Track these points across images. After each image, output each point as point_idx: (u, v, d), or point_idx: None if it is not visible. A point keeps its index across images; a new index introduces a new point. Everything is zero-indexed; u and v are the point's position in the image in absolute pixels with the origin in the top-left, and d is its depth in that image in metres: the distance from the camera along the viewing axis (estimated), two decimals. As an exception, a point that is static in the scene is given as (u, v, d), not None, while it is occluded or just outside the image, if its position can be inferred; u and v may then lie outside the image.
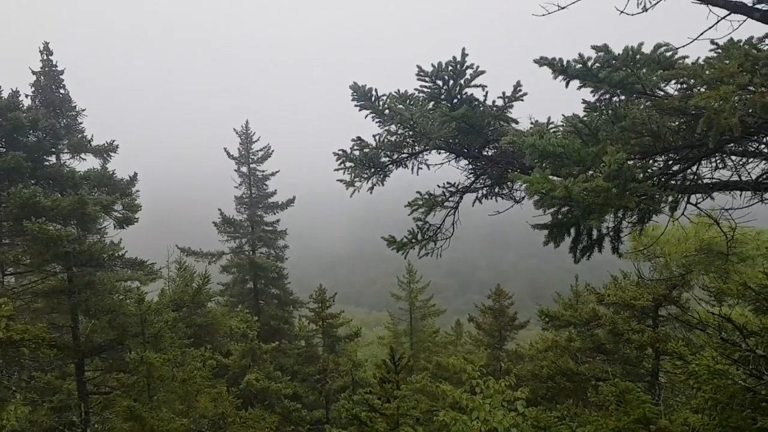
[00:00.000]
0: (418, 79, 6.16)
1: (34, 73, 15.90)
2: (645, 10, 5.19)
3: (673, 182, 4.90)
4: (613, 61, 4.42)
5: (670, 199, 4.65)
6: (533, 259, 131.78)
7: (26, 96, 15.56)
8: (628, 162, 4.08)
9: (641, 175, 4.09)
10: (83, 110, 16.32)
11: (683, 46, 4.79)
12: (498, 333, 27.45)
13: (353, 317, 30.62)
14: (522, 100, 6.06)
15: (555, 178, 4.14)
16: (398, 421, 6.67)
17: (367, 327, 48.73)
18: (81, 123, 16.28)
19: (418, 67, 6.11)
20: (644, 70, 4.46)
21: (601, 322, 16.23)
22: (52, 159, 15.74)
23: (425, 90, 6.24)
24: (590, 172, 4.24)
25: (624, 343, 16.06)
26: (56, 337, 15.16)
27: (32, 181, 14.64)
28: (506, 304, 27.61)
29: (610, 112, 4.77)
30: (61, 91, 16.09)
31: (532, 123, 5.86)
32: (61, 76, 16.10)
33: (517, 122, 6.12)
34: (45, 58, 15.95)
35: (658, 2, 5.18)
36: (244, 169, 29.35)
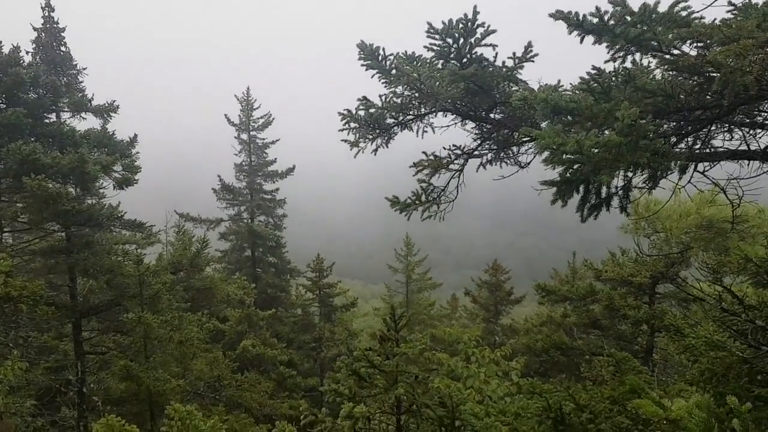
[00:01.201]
0: (428, 36, 6.06)
1: (35, 29, 15.72)
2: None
3: (683, 144, 4.87)
4: (629, 18, 4.35)
5: (680, 162, 4.60)
6: (531, 238, 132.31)
7: (27, 52, 15.43)
8: (641, 121, 4.03)
9: (653, 133, 4.04)
10: (84, 69, 16.17)
11: (699, 11, 4.71)
12: (494, 307, 27.63)
13: (349, 289, 30.77)
14: (533, 61, 5.96)
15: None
16: (397, 378, 6.72)
17: (363, 299, 48.93)
18: (82, 82, 16.16)
19: (429, 23, 6.00)
20: (660, 28, 4.39)
21: (598, 298, 16.26)
22: (52, 117, 15.65)
23: (435, 48, 6.15)
24: (601, 130, 4.20)
25: (620, 319, 16.13)
26: (53, 296, 15.20)
27: (32, 138, 14.56)
28: (503, 279, 27.75)
29: (619, 78, 4.71)
30: (62, 48, 15.93)
31: (541, 85, 5.78)
32: (62, 34, 15.92)
33: (526, 83, 6.04)
34: (46, 14, 15.77)
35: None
36: (244, 136, 29.24)
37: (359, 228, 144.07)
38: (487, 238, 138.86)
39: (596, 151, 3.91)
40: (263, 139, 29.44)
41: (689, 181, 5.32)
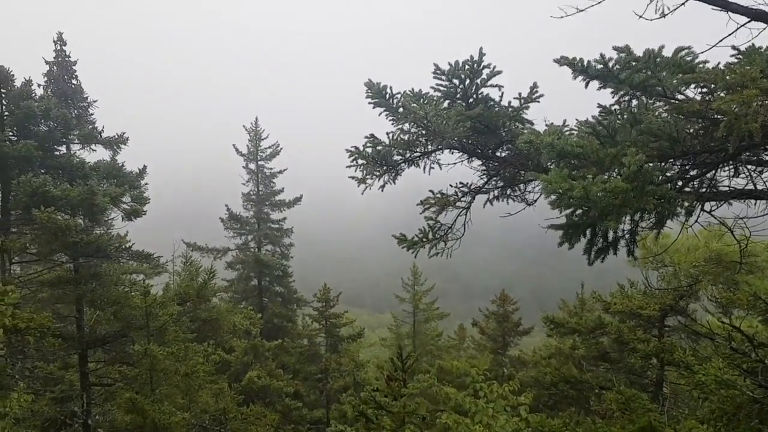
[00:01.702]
0: (435, 77, 6.14)
1: (47, 62, 15.98)
2: (663, 15, 5.15)
3: (689, 187, 4.88)
4: (633, 63, 4.40)
5: (686, 204, 4.61)
6: (538, 267, 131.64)
7: (39, 85, 15.63)
8: (647, 165, 4.05)
9: (659, 177, 4.06)
10: (95, 101, 16.40)
11: (702, 52, 4.76)
12: (501, 338, 27.39)
13: (356, 318, 30.60)
14: (538, 101, 6.02)
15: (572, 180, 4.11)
16: (404, 419, 6.65)
17: (370, 329, 48.62)
18: (92, 114, 16.36)
19: (435, 65, 6.09)
20: (664, 73, 4.43)
21: (607, 331, 16.10)
22: (63, 149, 15.77)
23: (441, 88, 6.22)
24: (608, 174, 4.22)
25: (629, 352, 15.95)
26: (60, 327, 15.18)
27: (42, 171, 14.68)
28: (511, 310, 27.55)
29: (625, 116, 4.74)
30: (74, 81, 16.17)
31: (547, 125, 5.83)
32: (73, 67, 16.18)
33: (532, 123, 6.09)
34: (58, 48, 16.03)
35: (676, 8, 5.14)
36: (252, 166, 29.44)
37: (366, 256, 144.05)
38: (494, 266, 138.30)
39: (602, 195, 3.92)
40: (271, 168, 29.66)
41: (696, 221, 5.32)
